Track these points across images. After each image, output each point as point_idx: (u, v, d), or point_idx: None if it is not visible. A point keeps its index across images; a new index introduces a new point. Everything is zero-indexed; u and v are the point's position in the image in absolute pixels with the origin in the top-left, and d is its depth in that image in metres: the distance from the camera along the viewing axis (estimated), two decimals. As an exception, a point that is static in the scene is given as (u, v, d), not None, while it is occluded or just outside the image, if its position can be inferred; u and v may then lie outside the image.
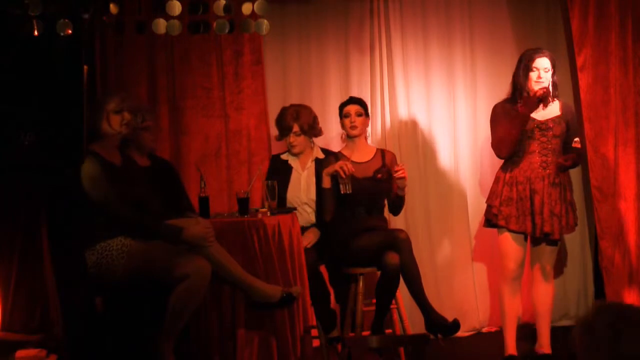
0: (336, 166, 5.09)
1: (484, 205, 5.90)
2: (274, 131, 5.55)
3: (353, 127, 5.30)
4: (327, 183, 5.17)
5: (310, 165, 5.37)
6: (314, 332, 5.16)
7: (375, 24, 5.97)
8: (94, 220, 4.41)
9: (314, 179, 5.32)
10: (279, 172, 5.28)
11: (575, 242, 5.98)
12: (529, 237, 5.11)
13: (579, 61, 5.61)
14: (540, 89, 4.99)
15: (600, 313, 2.50)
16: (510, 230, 5.04)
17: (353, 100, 5.37)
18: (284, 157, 5.41)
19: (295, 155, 5.38)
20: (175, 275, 4.35)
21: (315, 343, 5.39)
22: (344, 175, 5.06)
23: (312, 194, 5.31)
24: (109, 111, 4.53)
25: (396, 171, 5.13)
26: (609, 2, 5.58)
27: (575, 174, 5.90)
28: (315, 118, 5.39)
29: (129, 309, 4.49)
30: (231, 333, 4.60)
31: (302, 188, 5.33)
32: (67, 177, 4.41)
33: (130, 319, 4.50)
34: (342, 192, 5.08)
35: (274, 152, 5.57)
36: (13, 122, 4.37)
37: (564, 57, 5.94)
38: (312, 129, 5.37)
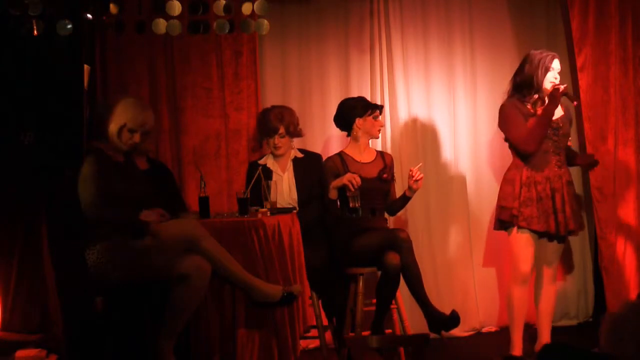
0: (345, 180, 5.09)
1: (485, 205, 5.92)
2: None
3: (379, 130, 5.35)
4: (333, 195, 5.16)
5: (290, 166, 5.38)
6: (314, 332, 5.17)
7: (375, 24, 5.96)
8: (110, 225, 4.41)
9: (294, 180, 5.33)
10: (259, 178, 5.17)
11: (575, 242, 5.97)
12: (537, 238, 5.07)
13: (579, 61, 5.61)
14: (562, 84, 4.98)
15: (631, 310, 2.60)
16: (532, 231, 5.00)
17: (380, 106, 5.40)
18: (261, 162, 5.40)
19: (278, 157, 5.38)
20: (175, 275, 4.35)
21: (315, 343, 5.40)
22: (352, 189, 5.05)
23: (294, 195, 5.32)
24: (123, 124, 4.48)
25: (413, 175, 5.16)
26: (609, 2, 5.58)
27: (575, 174, 5.90)
28: (297, 119, 5.41)
29: (129, 309, 4.49)
30: (231, 333, 4.60)
31: (285, 190, 5.32)
32: (67, 177, 4.41)
33: (130, 319, 4.50)
34: (351, 207, 5.07)
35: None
36: (13, 122, 4.38)
37: (564, 57, 5.94)
38: (295, 130, 5.39)
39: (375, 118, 5.32)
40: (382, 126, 5.41)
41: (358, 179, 5.07)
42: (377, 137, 5.42)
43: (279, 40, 5.91)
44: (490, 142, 5.99)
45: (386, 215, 5.43)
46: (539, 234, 5.02)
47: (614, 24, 5.58)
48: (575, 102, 5.10)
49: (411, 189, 5.22)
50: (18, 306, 5.01)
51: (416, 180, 5.18)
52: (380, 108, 5.39)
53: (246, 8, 5.04)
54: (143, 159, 5.03)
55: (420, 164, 5.37)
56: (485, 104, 6.01)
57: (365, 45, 5.97)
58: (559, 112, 5.08)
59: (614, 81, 5.58)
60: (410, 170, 5.21)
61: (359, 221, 5.18)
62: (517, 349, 5.10)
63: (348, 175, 5.09)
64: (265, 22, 5.09)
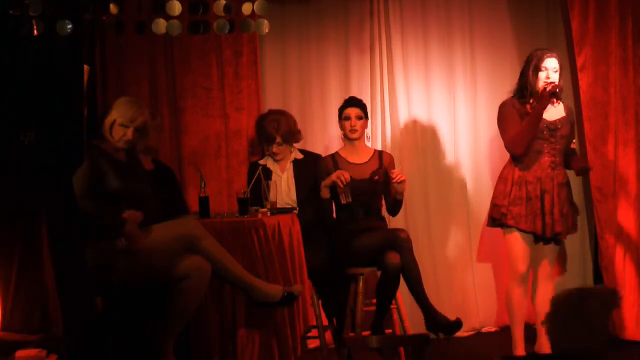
0: (333, 177, 5.10)
1: (484, 205, 5.91)
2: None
3: (353, 131, 5.30)
4: (325, 194, 5.17)
5: (289, 167, 5.38)
6: (314, 332, 5.17)
7: (375, 24, 5.97)
8: (94, 220, 4.41)
9: (294, 180, 5.33)
10: (260, 178, 5.18)
11: (575, 242, 5.97)
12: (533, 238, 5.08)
13: (579, 61, 5.61)
14: (551, 83, 4.97)
15: (562, 299, 2.61)
16: (519, 230, 5.01)
17: (353, 103, 5.36)
18: (262, 162, 5.41)
19: (278, 160, 5.38)
20: (176, 275, 4.35)
21: (315, 343, 5.40)
22: (341, 185, 5.07)
23: (293, 195, 5.33)
24: (115, 120, 4.51)
25: (393, 177, 5.14)
26: (609, 2, 5.58)
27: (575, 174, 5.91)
28: (295, 123, 5.40)
29: (129, 309, 4.49)
30: (231, 333, 4.60)
31: (283, 190, 5.33)
32: (67, 177, 4.41)
33: (130, 319, 4.50)
34: (342, 203, 5.11)
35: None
36: (13, 122, 4.37)
37: (564, 57, 5.94)
38: (293, 136, 5.39)
39: (346, 119, 5.31)
40: (352, 127, 5.28)
41: (347, 175, 5.08)
42: (352, 139, 5.30)
43: (279, 40, 5.91)
44: (490, 142, 5.99)
45: (387, 215, 5.43)
46: (528, 234, 5.03)
47: (614, 24, 5.58)
48: (558, 101, 5.08)
49: (397, 192, 5.21)
50: (18, 306, 5.00)
51: (398, 182, 5.15)
52: (347, 106, 5.32)
53: (246, 8, 5.03)
54: (148, 160, 5.03)
55: (401, 167, 5.37)
56: (485, 104, 6.00)
57: (365, 45, 5.97)
58: (559, 113, 5.08)
59: (614, 81, 5.58)
60: (391, 172, 5.19)
61: (356, 221, 5.18)
62: (519, 349, 5.11)
63: (337, 172, 5.12)
64: (265, 22, 5.09)
